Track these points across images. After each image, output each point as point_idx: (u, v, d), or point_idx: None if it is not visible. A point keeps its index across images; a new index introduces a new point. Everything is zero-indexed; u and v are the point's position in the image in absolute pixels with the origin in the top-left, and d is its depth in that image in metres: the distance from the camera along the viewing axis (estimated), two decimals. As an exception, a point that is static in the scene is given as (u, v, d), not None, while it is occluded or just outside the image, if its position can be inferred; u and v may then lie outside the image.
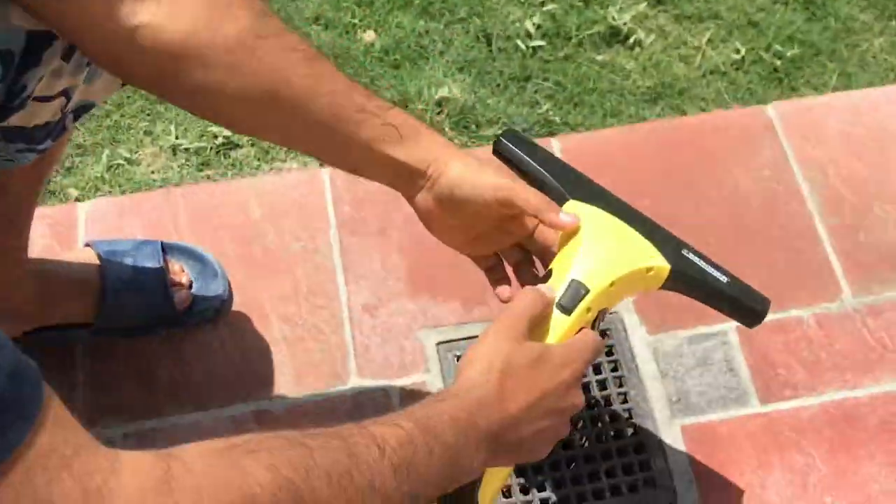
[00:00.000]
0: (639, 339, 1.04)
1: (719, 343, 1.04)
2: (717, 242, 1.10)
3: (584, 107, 1.44)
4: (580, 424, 0.99)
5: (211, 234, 1.07)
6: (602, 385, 1.02)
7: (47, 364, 0.41)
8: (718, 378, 1.02)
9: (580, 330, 0.71)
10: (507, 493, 0.96)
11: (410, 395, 0.99)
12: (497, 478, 0.68)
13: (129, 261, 0.98)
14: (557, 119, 1.40)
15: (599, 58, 1.42)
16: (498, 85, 1.38)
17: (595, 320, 0.72)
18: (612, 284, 0.71)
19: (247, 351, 1.00)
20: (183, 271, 1.02)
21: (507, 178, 0.71)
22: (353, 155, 0.69)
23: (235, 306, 1.03)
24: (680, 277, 0.75)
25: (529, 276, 0.79)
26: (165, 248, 1.03)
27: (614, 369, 1.03)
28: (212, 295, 1.01)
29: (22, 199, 0.85)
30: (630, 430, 0.99)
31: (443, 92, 1.35)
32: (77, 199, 1.37)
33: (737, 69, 1.40)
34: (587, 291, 0.70)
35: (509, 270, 0.81)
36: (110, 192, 1.37)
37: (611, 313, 1.05)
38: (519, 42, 1.40)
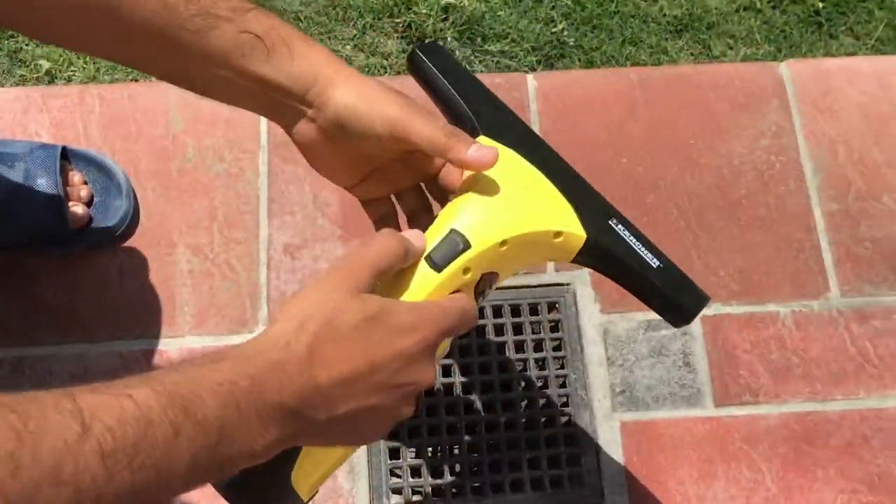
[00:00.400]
0: (589, 316, 0.92)
1: (679, 333, 0.91)
2: (697, 216, 0.97)
3: (603, 30, 1.31)
4: (510, 405, 0.89)
5: (123, 144, 0.94)
6: (541, 364, 0.91)
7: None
8: (672, 372, 0.90)
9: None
10: (416, 473, 0.86)
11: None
12: (320, 460, 0.55)
13: (19, 167, 0.86)
14: (571, 41, 1.27)
15: (627, -23, 1.27)
16: (513, -5, 1.25)
17: (479, 286, 0.58)
18: (503, 244, 0.57)
19: (146, 282, 0.89)
20: (84, 184, 0.90)
21: (403, 109, 0.56)
22: (202, 73, 0.55)
23: (140, 230, 0.91)
24: (598, 251, 0.60)
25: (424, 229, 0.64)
26: (69, 155, 0.90)
27: (557, 348, 0.92)
28: (113, 214, 0.89)
29: None
30: (563, 419, 0.89)
31: (451, -2, 1.21)
32: (48, 73, 1.25)
33: (773, 7, 1.25)
34: (466, 247, 0.56)
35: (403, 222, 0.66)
36: (84, 68, 1.24)
37: (562, 285, 0.94)
38: (541, -51, 1.26)
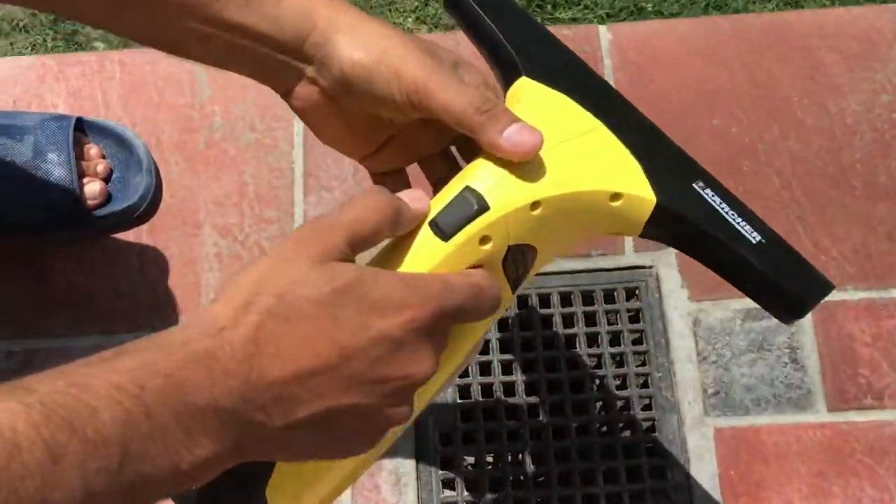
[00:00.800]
0: (676, 304, 0.79)
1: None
2: (803, 185, 0.82)
3: (685, -6, 1.20)
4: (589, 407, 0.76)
5: (145, 113, 0.85)
6: (618, 360, 0.78)
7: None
8: (776, 370, 0.76)
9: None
10: (472, 485, 0.75)
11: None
12: (303, 474, 0.42)
13: (28, 140, 0.78)
14: (649, 6, 1.17)
15: (713, -68, 1.17)
16: (586, -44, 1.17)
17: (506, 262, 0.44)
18: (535, 206, 0.44)
19: (169, 266, 0.80)
20: (102, 158, 0.81)
21: (425, 69, 0.44)
22: (167, 27, 0.45)
23: (162, 208, 0.82)
24: (673, 220, 0.46)
25: None
26: (85, 126, 0.82)
27: (638, 341, 0.79)
28: (133, 192, 0.80)
29: None
30: (645, 425, 0.76)
31: (516, -41, 1.12)
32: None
33: (874, -41, 1.11)
34: (483, 209, 0.43)
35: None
36: (139, 47, 1.18)
37: (643, 268, 0.80)
38: None
